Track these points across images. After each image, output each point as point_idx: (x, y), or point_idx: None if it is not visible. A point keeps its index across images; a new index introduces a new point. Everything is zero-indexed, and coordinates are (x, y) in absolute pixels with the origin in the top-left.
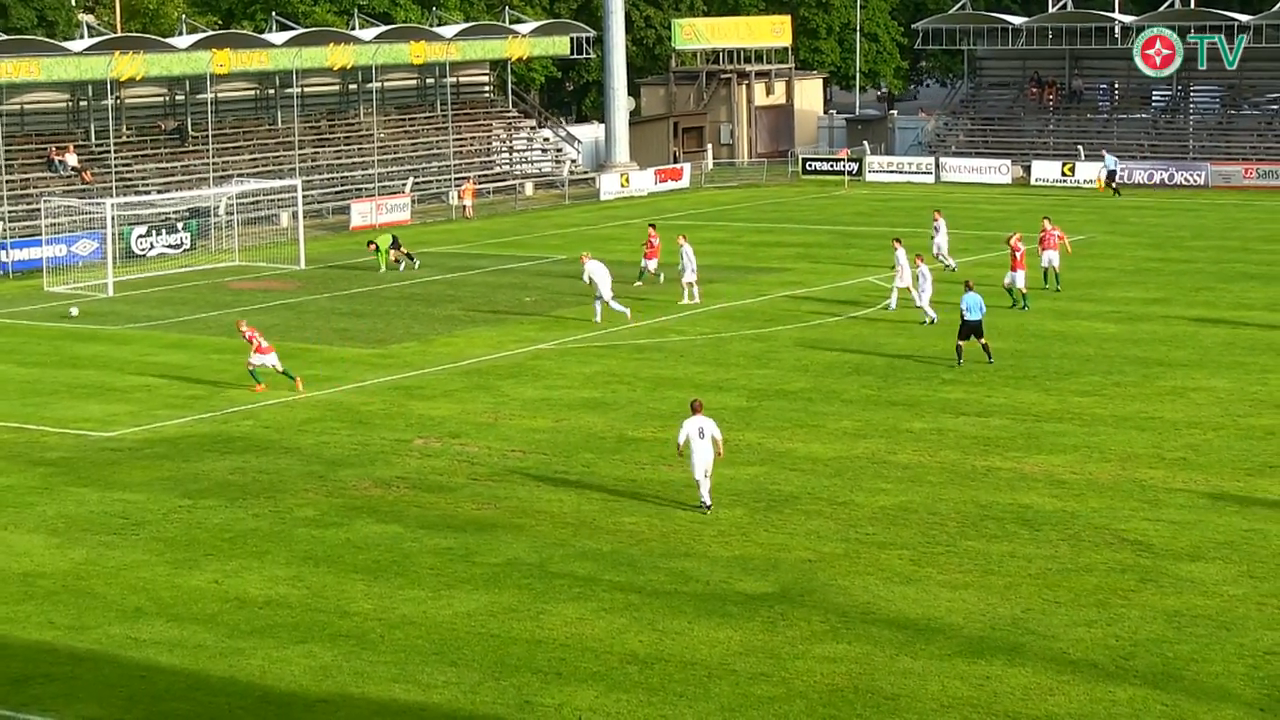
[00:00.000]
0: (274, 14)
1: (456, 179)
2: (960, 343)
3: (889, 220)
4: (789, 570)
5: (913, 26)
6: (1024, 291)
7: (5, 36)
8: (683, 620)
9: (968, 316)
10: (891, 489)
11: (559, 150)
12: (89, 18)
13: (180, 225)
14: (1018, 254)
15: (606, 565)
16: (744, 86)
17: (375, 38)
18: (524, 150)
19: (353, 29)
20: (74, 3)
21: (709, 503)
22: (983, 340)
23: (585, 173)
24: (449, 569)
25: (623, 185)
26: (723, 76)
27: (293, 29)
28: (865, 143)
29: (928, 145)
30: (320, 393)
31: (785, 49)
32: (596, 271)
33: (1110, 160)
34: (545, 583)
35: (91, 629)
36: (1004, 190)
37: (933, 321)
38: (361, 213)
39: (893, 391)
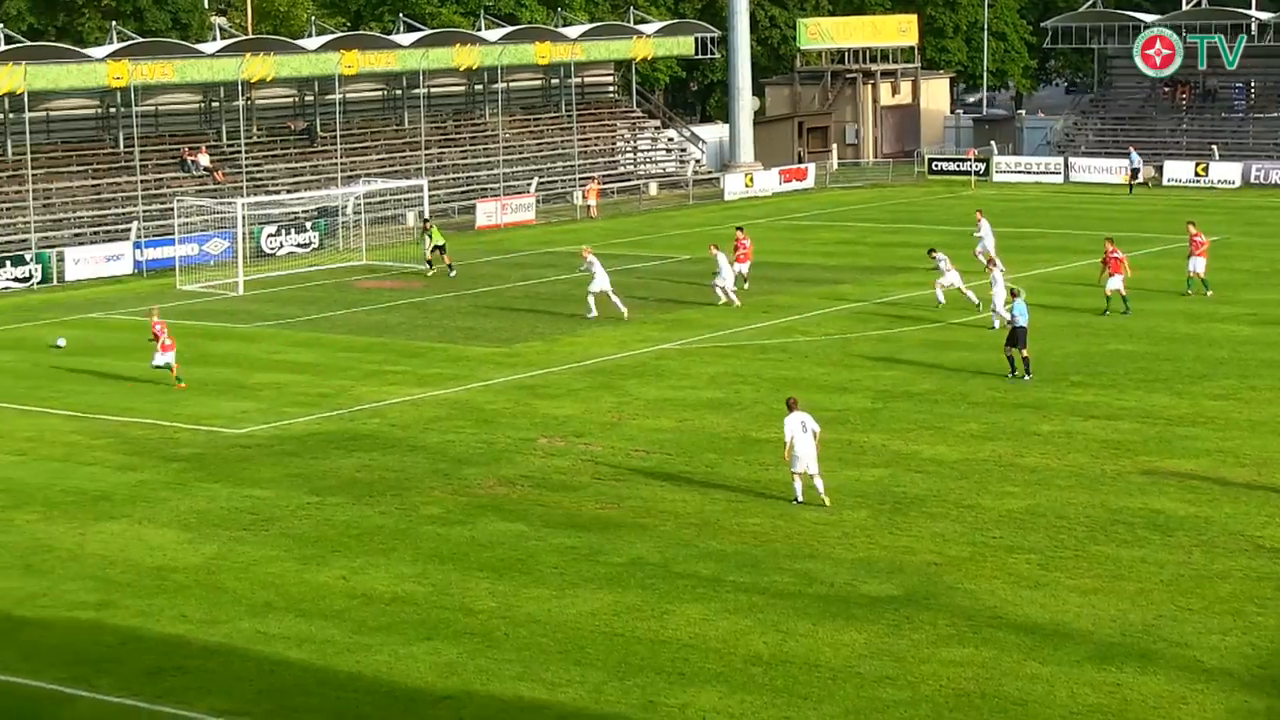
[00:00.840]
0: (401, 15)
1: (581, 179)
2: (1010, 352)
3: (1017, 220)
4: (914, 573)
5: (1041, 25)
6: (1124, 295)
7: (140, 39)
8: (807, 622)
9: (1020, 322)
10: (1019, 492)
11: (683, 150)
12: (221, 20)
13: (309, 225)
14: (1114, 258)
15: (730, 566)
16: (870, 86)
17: (501, 38)
18: (648, 150)
19: (479, 30)
20: (207, 6)
21: (827, 501)
22: (1025, 353)
23: (709, 173)
24: (573, 568)
25: (747, 185)
26: (848, 76)
27: (420, 30)
28: (992, 143)
29: (1056, 145)
30: (446, 391)
31: (911, 48)
32: (596, 267)
33: (1135, 159)
34: (669, 583)
35: (222, 623)
36: (1136, 191)
37: (995, 327)
38: (487, 213)
39: (1020, 394)
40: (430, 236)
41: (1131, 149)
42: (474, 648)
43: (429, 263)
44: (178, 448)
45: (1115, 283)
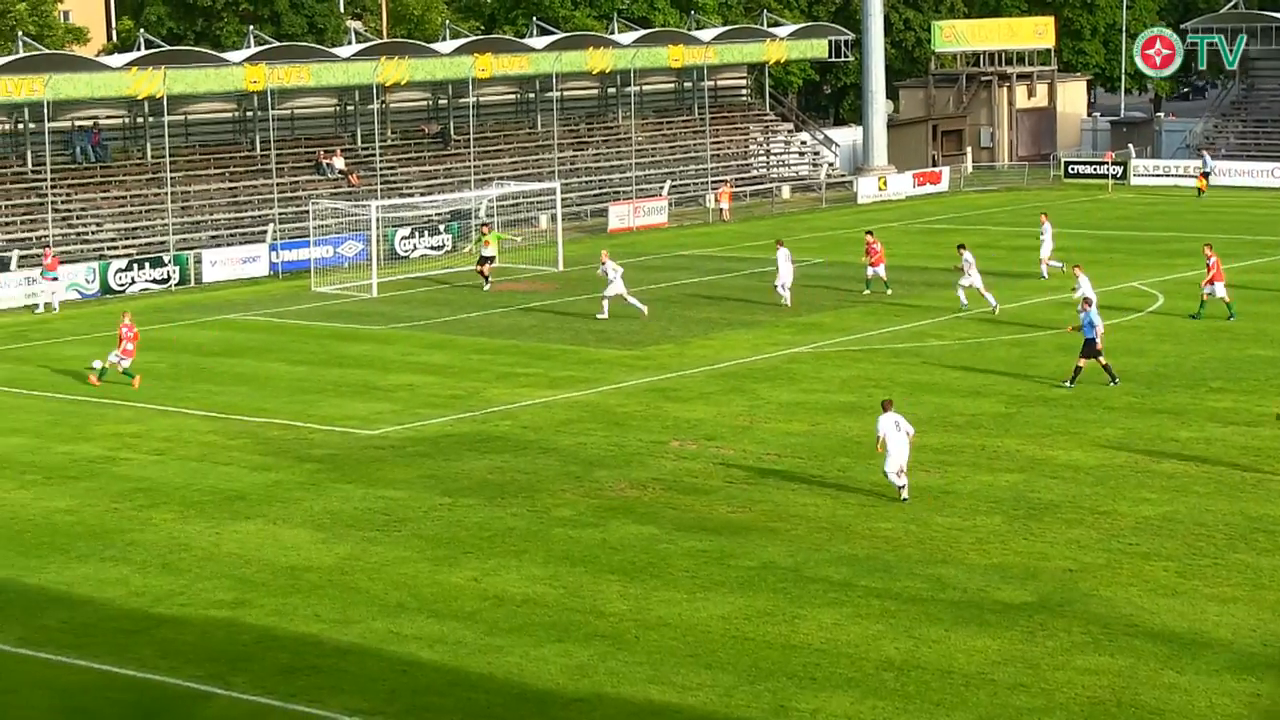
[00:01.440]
0: (535, 19)
1: (713, 182)
2: (1080, 363)
3: (1154, 224)
4: (1048, 579)
5: (1181, 27)
6: (1227, 301)
7: (277, 43)
8: (939, 628)
9: (1089, 333)
10: (1155, 499)
11: (816, 153)
12: (356, 24)
13: (442, 227)
14: (1212, 263)
15: (862, 570)
16: (1005, 89)
17: (634, 42)
18: (781, 153)
19: (611, 33)
20: (342, 10)
21: (906, 496)
22: (1103, 360)
23: (843, 176)
24: (704, 571)
25: (880, 189)
26: (983, 79)
27: (553, 34)
28: (1130, 145)
29: (1196, 148)
30: (577, 394)
31: (1048, 50)
32: (612, 272)
33: (1208, 161)
34: (800, 587)
35: (355, 623)
36: (1277, 195)
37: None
38: (619, 215)
39: (1157, 399)
40: (481, 245)
41: (1204, 151)
42: (605, 650)
43: (483, 275)
44: (312, 448)
45: (1217, 289)
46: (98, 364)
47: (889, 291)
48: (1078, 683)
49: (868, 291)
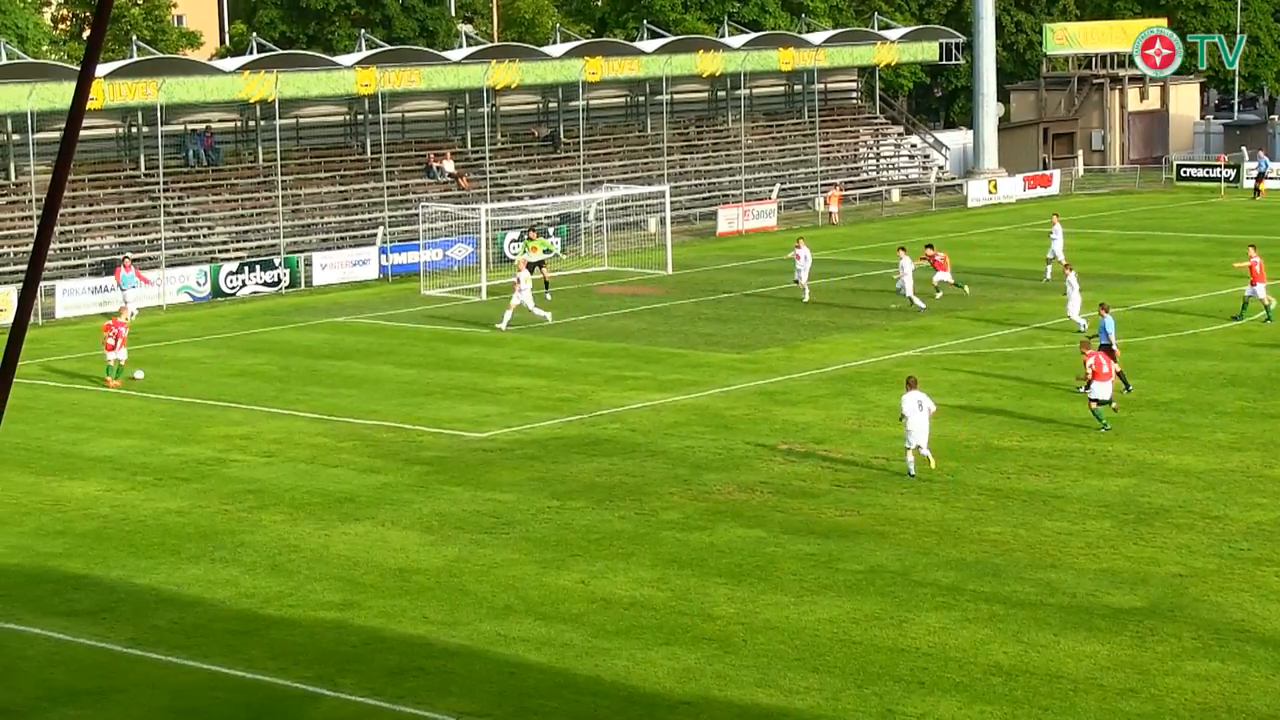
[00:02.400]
0: (645, 22)
1: (823, 185)
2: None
3: (1268, 228)
4: (1159, 585)
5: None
6: (1267, 304)
7: (388, 46)
8: (1048, 632)
9: (1102, 340)
10: (1268, 504)
11: (926, 157)
12: (468, 28)
13: (551, 230)
14: (1255, 266)
15: (971, 575)
16: (1117, 91)
17: (744, 45)
18: (890, 156)
19: (722, 36)
20: (453, 13)
21: (933, 463)
22: (1118, 368)
23: (953, 179)
24: (812, 575)
25: (990, 192)
26: (1095, 81)
27: (663, 37)
28: (1244, 149)
29: (1253, 150)
30: (686, 397)
31: None
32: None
33: (1265, 162)
34: (908, 591)
35: (463, 625)
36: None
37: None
38: (728, 219)
39: (1271, 404)
40: (528, 250)
41: (1261, 152)
42: (712, 653)
43: (544, 285)
44: (421, 450)
45: (1258, 290)
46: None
47: (966, 290)
48: (1188, 689)
49: (939, 295)
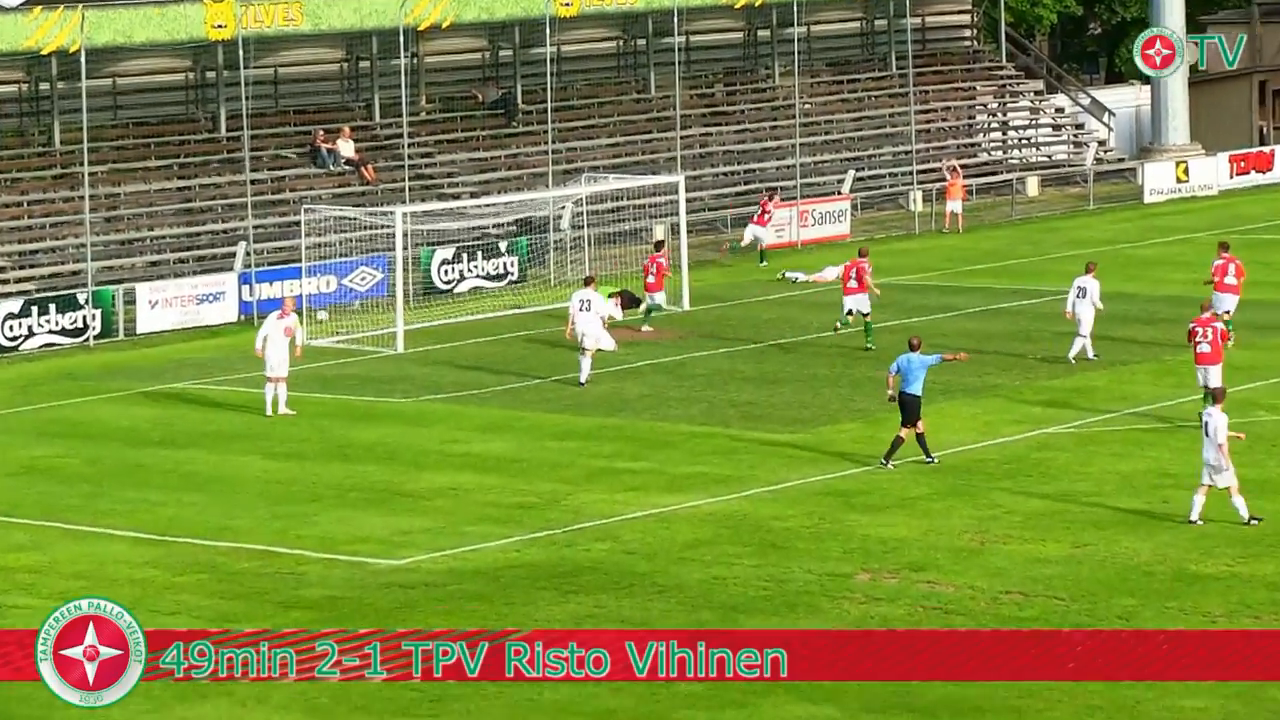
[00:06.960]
0: None
1: (920, 171)
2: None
3: None
4: None
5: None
6: None
7: None
8: None
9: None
10: None
11: (1079, 127)
12: None
13: (504, 246)
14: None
15: None
16: None
17: None
18: (1024, 127)
19: None
20: None
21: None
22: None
23: (1120, 160)
24: None
25: (1180, 179)
26: None
27: None
28: None
29: None
30: (712, 500)
31: None
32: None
33: None
34: None
35: None
36: None
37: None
38: (776, 225)
39: None
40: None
41: None
42: None
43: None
44: (302, 587)
45: None
46: None
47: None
48: None
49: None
